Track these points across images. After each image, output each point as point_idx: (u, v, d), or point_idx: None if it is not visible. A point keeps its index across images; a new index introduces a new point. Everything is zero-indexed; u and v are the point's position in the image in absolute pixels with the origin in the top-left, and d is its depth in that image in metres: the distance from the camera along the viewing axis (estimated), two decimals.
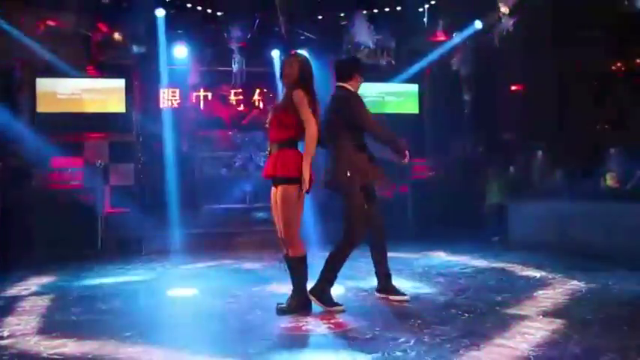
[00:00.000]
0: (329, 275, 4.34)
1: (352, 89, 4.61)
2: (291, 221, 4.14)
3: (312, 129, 4.08)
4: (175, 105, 9.96)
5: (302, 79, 4.22)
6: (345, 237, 4.38)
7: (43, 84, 9.43)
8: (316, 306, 4.30)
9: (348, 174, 4.37)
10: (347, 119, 4.46)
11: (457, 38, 10.10)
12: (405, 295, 4.64)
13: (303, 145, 4.12)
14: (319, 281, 4.33)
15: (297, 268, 4.22)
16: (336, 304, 4.29)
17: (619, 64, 10.18)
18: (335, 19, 10.13)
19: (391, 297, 4.61)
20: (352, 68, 4.64)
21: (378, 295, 4.71)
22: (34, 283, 5.83)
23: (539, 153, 8.54)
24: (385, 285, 4.69)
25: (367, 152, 4.53)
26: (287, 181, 4.10)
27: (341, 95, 4.56)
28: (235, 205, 9.78)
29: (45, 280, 6.00)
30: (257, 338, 3.68)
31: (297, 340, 3.66)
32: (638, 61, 10.29)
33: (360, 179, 4.41)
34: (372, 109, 10.76)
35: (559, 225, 7.05)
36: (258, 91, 10.47)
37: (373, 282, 5.43)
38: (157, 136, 9.75)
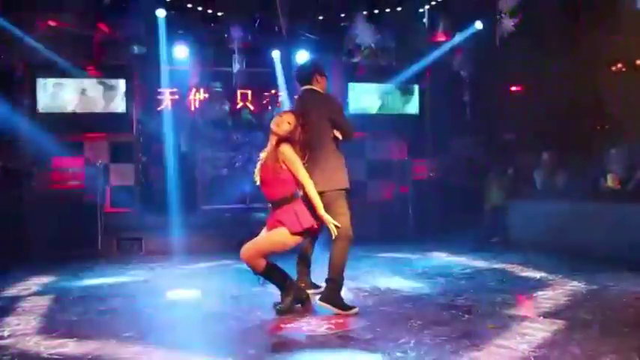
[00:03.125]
0: (336, 278, 4.28)
1: (321, 90, 4.57)
2: (268, 248, 4.13)
3: (311, 187, 4.09)
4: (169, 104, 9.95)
5: (284, 135, 4.15)
6: (337, 235, 4.28)
7: (44, 84, 9.44)
8: (317, 306, 4.30)
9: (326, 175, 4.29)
10: (329, 120, 4.42)
11: (458, 38, 10.10)
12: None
13: None
14: (328, 287, 4.27)
15: (269, 276, 4.22)
16: (350, 307, 4.26)
17: (619, 65, 10.17)
18: (335, 19, 10.13)
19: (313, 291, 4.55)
20: (312, 70, 4.58)
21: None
22: (34, 283, 5.83)
23: (545, 154, 8.51)
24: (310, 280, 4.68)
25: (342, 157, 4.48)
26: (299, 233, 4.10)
27: (317, 96, 4.51)
28: (235, 206, 9.78)
29: (45, 280, 6.01)
30: (257, 339, 3.69)
31: (298, 341, 3.66)
32: (638, 62, 10.28)
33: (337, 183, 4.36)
34: (373, 110, 10.95)
35: (559, 226, 7.05)
36: (255, 91, 10.45)
37: (374, 282, 5.45)
38: (157, 136, 9.75)
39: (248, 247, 4.19)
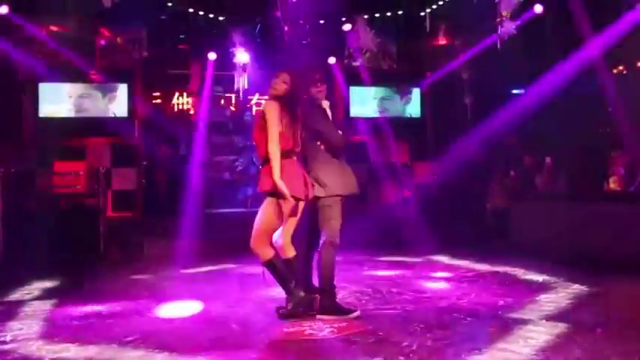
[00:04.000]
0: (328, 286, 4.27)
1: (315, 97, 4.48)
2: (264, 223, 4.14)
3: (271, 146, 4.02)
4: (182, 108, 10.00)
5: (283, 95, 4.18)
6: (324, 240, 4.30)
7: (46, 88, 9.46)
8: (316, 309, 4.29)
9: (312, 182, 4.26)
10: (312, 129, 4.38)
11: (459, 42, 10.11)
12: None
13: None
14: (323, 297, 4.26)
15: (274, 271, 4.20)
16: (350, 310, 4.25)
17: (621, 67, 10.17)
18: (337, 23, 10.15)
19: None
20: (306, 77, 4.54)
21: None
22: (36, 287, 5.82)
23: (547, 158, 8.50)
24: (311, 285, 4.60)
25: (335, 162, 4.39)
26: (273, 194, 4.10)
27: (304, 105, 4.48)
28: (237, 209, 9.78)
29: (47, 284, 6.00)
30: (260, 343, 3.69)
31: (300, 345, 3.65)
32: (639, 64, 10.28)
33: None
34: (374, 113, 10.95)
35: (561, 228, 7.03)
36: (259, 95, 10.50)
37: (376, 286, 5.44)
38: (158, 140, 9.77)
39: (253, 234, 4.19)
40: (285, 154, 4.09)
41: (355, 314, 4.21)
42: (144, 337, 3.82)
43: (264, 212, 4.17)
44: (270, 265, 4.19)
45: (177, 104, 10.16)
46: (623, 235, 6.30)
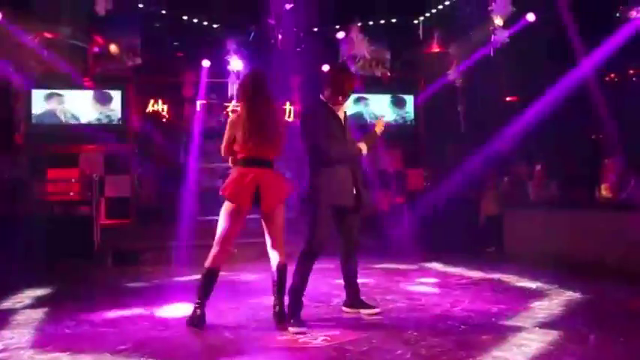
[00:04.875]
0: (289, 292, 4.26)
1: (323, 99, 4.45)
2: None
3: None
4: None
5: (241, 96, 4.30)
6: (305, 246, 4.29)
7: (39, 95, 9.44)
8: (312, 317, 4.31)
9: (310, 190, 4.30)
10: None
11: (453, 49, 10.16)
12: (375, 307, 4.60)
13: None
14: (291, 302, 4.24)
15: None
16: (303, 324, 4.09)
17: (612, 75, 10.25)
18: (330, 30, 10.19)
19: (362, 311, 4.56)
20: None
21: (346, 310, 4.62)
22: (28, 295, 5.79)
23: (537, 165, 8.54)
24: (354, 300, 4.65)
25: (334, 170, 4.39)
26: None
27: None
28: None
29: (39, 292, 5.96)
30: (253, 351, 3.67)
31: (293, 353, 3.64)
32: (631, 71, 10.38)
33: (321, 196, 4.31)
34: (368, 120, 10.95)
35: (555, 236, 7.06)
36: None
37: (369, 293, 5.42)
38: (152, 148, 9.76)
39: None
40: (242, 162, 4.20)
41: (304, 329, 4.02)
42: (137, 345, 3.80)
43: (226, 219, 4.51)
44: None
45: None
46: (615, 243, 6.33)
